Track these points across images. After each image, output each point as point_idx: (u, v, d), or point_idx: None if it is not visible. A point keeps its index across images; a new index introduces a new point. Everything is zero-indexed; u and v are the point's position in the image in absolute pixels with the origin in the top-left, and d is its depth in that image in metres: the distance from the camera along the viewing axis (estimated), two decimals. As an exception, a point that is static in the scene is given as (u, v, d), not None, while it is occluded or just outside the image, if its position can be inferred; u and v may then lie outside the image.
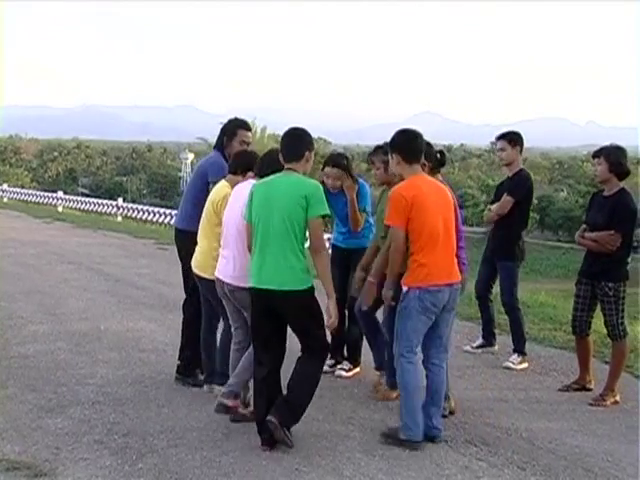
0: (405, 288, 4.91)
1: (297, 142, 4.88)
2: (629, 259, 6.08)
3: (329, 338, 6.53)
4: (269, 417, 4.68)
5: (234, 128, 6.03)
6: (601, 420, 5.62)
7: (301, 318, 4.77)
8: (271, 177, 4.85)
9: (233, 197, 5.31)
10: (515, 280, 7.03)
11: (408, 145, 5.01)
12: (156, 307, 9.05)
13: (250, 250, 4.90)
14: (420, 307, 4.86)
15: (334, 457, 4.71)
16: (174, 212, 26.42)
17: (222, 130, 6.08)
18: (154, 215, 26.59)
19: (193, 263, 5.69)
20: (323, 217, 4.77)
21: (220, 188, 5.58)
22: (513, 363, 6.88)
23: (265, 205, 4.75)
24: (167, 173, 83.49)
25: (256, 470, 4.50)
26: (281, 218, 4.67)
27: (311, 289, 4.76)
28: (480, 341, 7.34)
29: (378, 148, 5.85)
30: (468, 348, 7.30)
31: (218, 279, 5.30)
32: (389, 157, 5.11)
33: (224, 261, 5.27)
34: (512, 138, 7.01)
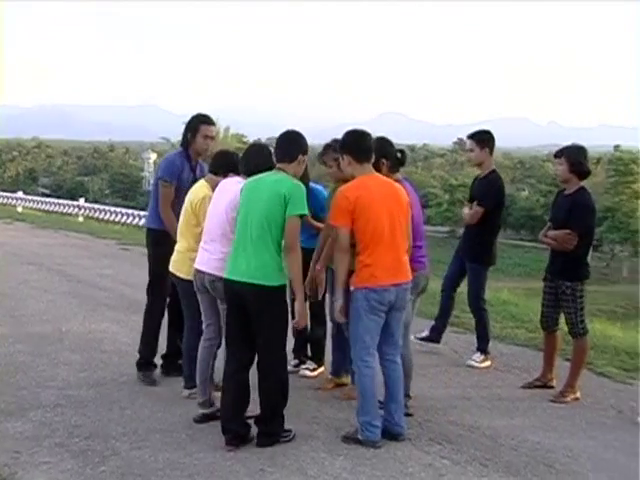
0: (352, 288, 4.93)
1: (292, 144, 4.98)
2: (588, 258, 6.16)
3: (291, 340, 6.56)
4: (259, 440, 4.81)
5: (196, 124, 6.05)
6: (562, 416, 5.70)
7: (265, 315, 4.77)
8: (262, 175, 4.91)
9: (217, 194, 5.30)
10: (483, 283, 7.06)
11: (358, 145, 5.01)
12: (118, 308, 8.97)
13: None
14: (367, 306, 4.87)
15: (298, 457, 4.70)
16: (137, 212, 26.21)
17: (186, 127, 6.10)
18: (116, 215, 26.36)
19: (171, 263, 5.70)
20: (301, 217, 4.82)
21: (199, 189, 5.57)
22: (476, 361, 6.93)
23: (249, 201, 4.84)
24: (130, 173, 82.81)
25: (220, 471, 4.48)
26: (260, 215, 4.75)
27: (282, 288, 4.80)
28: (426, 332, 7.32)
29: (327, 147, 5.85)
30: (412, 337, 7.25)
31: (198, 271, 5.25)
32: (340, 158, 5.12)
33: (206, 254, 5.23)
34: (481, 139, 6.93)
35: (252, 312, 4.79)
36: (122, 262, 13.21)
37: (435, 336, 7.33)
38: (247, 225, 4.80)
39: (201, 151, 6.10)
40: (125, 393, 5.82)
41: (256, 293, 4.73)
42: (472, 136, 7.01)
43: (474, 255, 6.99)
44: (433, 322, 7.42)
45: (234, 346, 4.90)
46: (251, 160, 5.18)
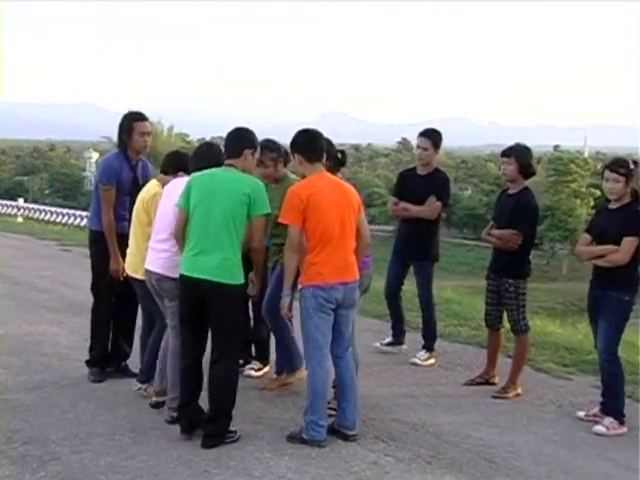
0: (300, 287, 4.97)
1: (238, 140, 5.03)
2: (530, 257, 6.26)
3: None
4: (204, 441, 4.79)
5: (130, 122, 6.02)
6: (503, 412, 5.78)
7: (225, 313, 4.81)
8: (212, 170, 4.93)
9: (166, 194, 5.30)
10: (432, 278, 7.10)
11: (309, 145, 5.04)
12: (59, 310, 8.79)
13: (178, 237, 4.99)
14: (315, 304, 4.89)
15: (243, 458, 4.68)
16: (78, 212, 25.77)
17: (119, 128, 6.07)
18: (57, 216, 25.89)
19: (126, 265, 5.70)
20: (266, 216, 4.89)
21: (150, 187, 5.58)
22: (420, 359, 6.99)
23: (205, 196, 4.83)
24: (71, 173, 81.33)
25: (164, 473, 4.43)
26: (222, 212, 4.77)
27: (242, 287, 4.87)
28: (390, 339, 7.39)
29: (263, 147, 5.85)
30: (378, 345, 7.33)
31: (147, 270, 5.31)
32: (291, 157, 5.16)
33: (154, 253, 5.27)
34: (436, 139, 6.94)
35: (212, 310, 4.81)
36: (62, 263, 12.97)
37: (399, 340, 7.34)
38: (208, 223, 4.80)
39: (140, 149, 6.06)
40: (66, 396, 5.71)
41: (218, 291, 4.76)
42: (428, 136, 6.97)
43: (423, 253, 7.00)
44: (391, 326, 7.43)
45: (191, 340, 4.95)
46: (201, 159, 5.19)
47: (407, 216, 6.99)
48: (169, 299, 5.21)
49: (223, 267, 4.76)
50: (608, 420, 5.41)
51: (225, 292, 4.77)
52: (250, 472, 4.49)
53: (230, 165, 4.94)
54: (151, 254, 5.30)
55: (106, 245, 5.91)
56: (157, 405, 5.41)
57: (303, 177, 5.11)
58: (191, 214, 4.87)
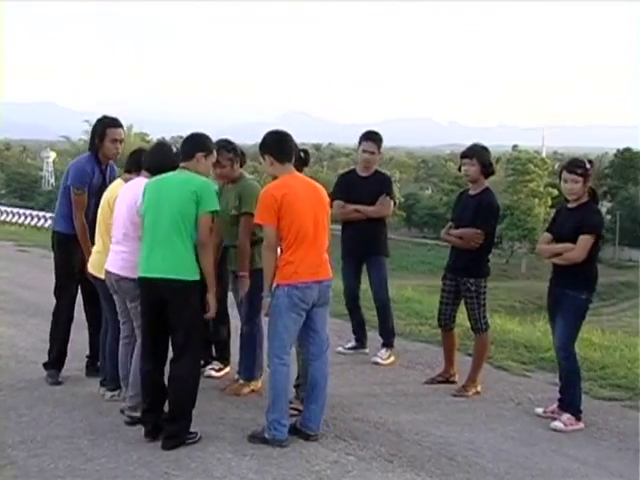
0: (274, 285, 4.95)
1: (191, 144, 5.05)
2: (489, 256, 6.32)
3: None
4: (164, 442, 4.77)
5: (103, 128, 6.02)
6: (463, 410, 5.83)
7: (182, 311, 4.81)
8: (165, 175, 4.99)
9: (121, 195, 5.36)
10: (386, 274, 7.16)
11: (280, 145, 5.06)
12: (15, 312, 8.66)
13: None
14: (289, 304, 4.89)
15: (204, 459, 4.66)
16: (35, 213, 25.42)
17: (92, 132, 6.08)
18: (13, 216, 25.55)
19: (89, 264, 5.67)
20: (213, 213, 4.91)
21: (115, 186, 5.60)
22: (381, 358, 7.01)
23: (156, 200, 4.88)
24: (27, 172, 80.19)
25: (123, 476, 4.39)
26: (171, 212, 4.81)
27: (197, 283, 4.86)
28: (353, 343, 7.38)
29: (220, 147, 5.84)
30: (340, 349, 7.31)
31: (107, 271, 5.33)
32: (260, 159, 5.14)
33: (113, 254, 5.32)
34: (380, 141, 7.05)
35: (170, 309, 4.82)
36: (19, 264, 12.80)
37: (362, 343, 7.34)
38: (158, 223, 4.84)
39: (111, 155, 6.07)
40: (23, 399, 5.63)
41: (174, 288, 4.78)
42: (373, 139, 7.04)
43: (377, 248, 7.06)
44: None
45: (152, 342, 4.95)
46: (152, 158, 5.29)
47: (358, 218, 6.99)
48: (129, 300, 5.21)
49: (176, 264, 4.79)
50: (566, 416, 5.48)
51: (181, 288, 4.79)
52: (211, 473, 4.47)
53: (184, 168, 4.99)
54: (111, 255, 5.33)
55: (72, 248, 5.90)
56: (133, 421, 5.16)
57: (274, 178, 5.11)
58: (144, 217, 4.94)
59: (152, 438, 4.85)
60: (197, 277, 4.87)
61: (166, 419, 4.85)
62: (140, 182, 5.19)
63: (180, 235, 4.80)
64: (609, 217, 65.52)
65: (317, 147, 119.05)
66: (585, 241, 5.40)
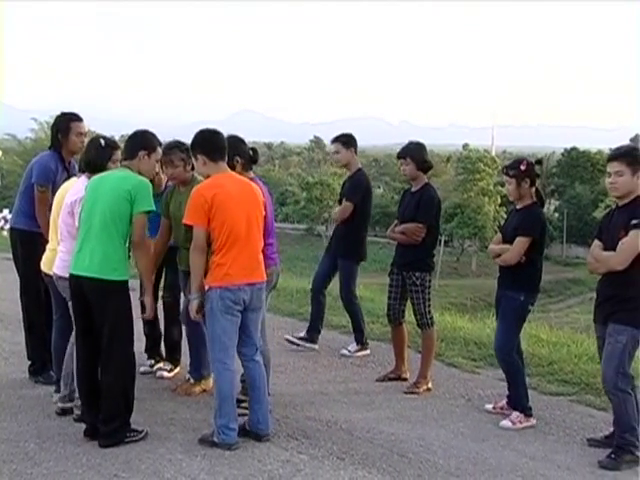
0: (206, 287, 4.87)
1: (134, 142, 5.03)
2: (434, 251, 6.40)
3: (144, 340, 6.43)
4: (100, 441, 4.74)
5: (67, 122, 5.98)
6: (415, 407, 5.87)
7: (106, 311, 4.74)
8: (106, 173, 4.96)
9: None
10: (354, 276, 7.30)
11: (210, 144, 4.96)
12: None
13: None
14: (222, 306, 4.81)
15: (155, 460, 4.61)
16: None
17: (54, 128, 6.02)
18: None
19: (42, 262, 5.59)
20: (147, 213, 4.84)
21: (68, 185, 5.53)
22: (349, 351, 7.16)
23: (91, 198, 4.84)
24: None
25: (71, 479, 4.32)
26: (102, 210, 4.75)
27: (123, 283, 4.78)
28: (303, 333, 7.41)
29: (173, 147, 5.78)
30: (289, 337, 7.36)
31: (53, 272, 5.28)
32: (193, 160, 5.04)
33: (58, 253, 5.29)
34: (345, 140, 7.24)
35: (94, 309, 4.77)
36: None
37: (312, 336, 7.37)
38: (90, 220, 4.79)
39: (76, 149, 6.00)
40: (-33, 403, 5.51)
41: (98, 287, 4.72)
42: (337, 139, 7.29)
43: (345, 251, 7.21)
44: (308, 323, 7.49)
45: (81, 343, 4.90)
46: (85, 157, 5.29)
47: (335, 220, 7.40)
48: (68, 299, 5.16)
49: (102, 264, 4.72)
50: (514, 414, 5.53)
51: (105, 289, 4.72)
52: (162, 474, 4.42)
53: (125, 166, 4.95)
54: (57, 255, 5.30)
55: (34, 245, 5.80)
56: (64, 412, 5.24)
57: (207, 177, 5.01)
58: (79, 215, 4.92)
59: (91, 437, 4.81)
60: (124, 277, 4.79)
61: (101, 419, 4.78)
62: (77, 182, 5.20)
63: (109, 234, 4.74)
64: (557, 215, 66.76)
65: (269, 146, 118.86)
66: (519, 243, 5.41)
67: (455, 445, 5.12)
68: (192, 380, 5.94)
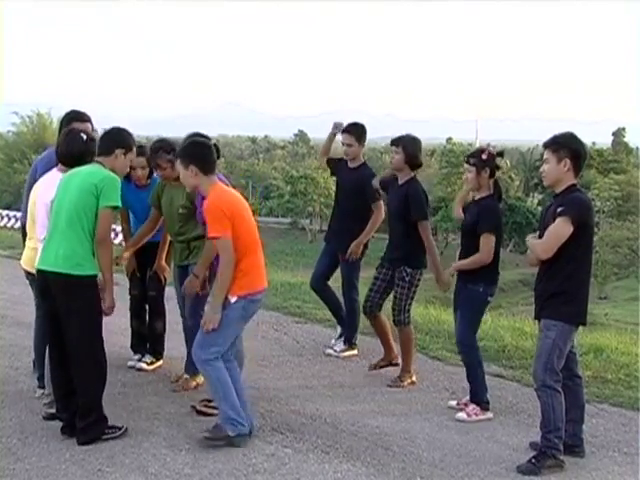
0: (234, 298, 4.78)
1: (110, 139, 5.00)
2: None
3: (129, 334, 6.41)
4: (77, 437, 4.71)
5: (69, 122, 5.90)
6: (399, 400, 5.89)
7: (71, 307, 4.69)
8: (79, 168, 4.90)
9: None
10: (357, 273, 7.06)
11: (205, 157, 4.88)
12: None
13: None
14: (242, 317, 4.87)
15: (139, 455, 4.60)
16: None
17: (60, 125, 5.96)
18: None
19: (23, 260, 5.52)
20: (113, 209, 4.79)
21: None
22: (335, 351, 6.99)
23: (60, 191, 4.82)
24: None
25: (55, 475, 4.31)
26: (69, 204, 4.72)
27: (89, 278, 4.72)
28: (339, 344, 7.09)
29: (158, 149, 5.72)
30: (331, 352, 7.06)
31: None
32: (180, 167, 4.91)
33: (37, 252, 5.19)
34: (358, 136, 6.93)
35: (58, 303, 4.72)
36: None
37: (348, 339, 7.11)
38: (58, 215, 4.77)
39: None
40: (-51, 398, 5.47)
41: (62, 283, 4.68)
42: (349, 132, 6.96)
43: (348, 248, 6.88)
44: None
45: (50, 333, 4.86)
46: (66, 147, 5.18)
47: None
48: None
49: (67, 258, 4.67)
50: (471, 407, 5.52)
51: (69, 283, 4.67)
52: (146, 469, 4.42)
53: (99, 162, 4.90)
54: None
55: None
56: (52, 417, 5.06)
57: (192, 188, 4.95)
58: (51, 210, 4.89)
59: (68, 435, 4.77)
60: (90, 272, 4.72)
61: (78, 415, 4.75)
62: (51, 179, 5.14)
63: (75, 229, 4.69)
64: (540, 209, 67.01)
65: (253, 139, 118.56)
66: (486, 240, 5.35)
67: (439, 438, 5.14)
68: (186, 375, 5.87)
